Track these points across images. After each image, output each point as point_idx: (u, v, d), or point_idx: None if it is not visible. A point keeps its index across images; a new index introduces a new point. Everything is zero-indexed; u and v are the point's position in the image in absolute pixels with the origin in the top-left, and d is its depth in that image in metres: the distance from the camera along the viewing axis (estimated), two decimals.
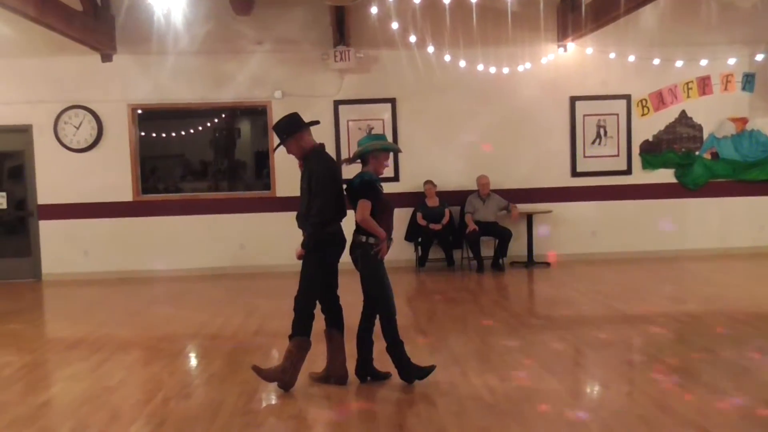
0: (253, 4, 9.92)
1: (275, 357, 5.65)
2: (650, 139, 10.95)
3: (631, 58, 10.58)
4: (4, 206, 10.50)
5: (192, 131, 13.85)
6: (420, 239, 10.35)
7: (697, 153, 10.97)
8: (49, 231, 10.44)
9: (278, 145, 5.04)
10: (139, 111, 10.68)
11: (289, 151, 5.00)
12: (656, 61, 10.59)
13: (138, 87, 10.42)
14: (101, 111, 10.41)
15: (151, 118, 11.40)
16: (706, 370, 5.17)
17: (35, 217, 10.45)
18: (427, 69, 10.47)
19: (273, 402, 4.76)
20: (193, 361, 6.08)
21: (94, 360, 5.93)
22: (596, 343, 6.03)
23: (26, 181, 10.50)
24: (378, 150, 4.96)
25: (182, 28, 9.91)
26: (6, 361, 6.05)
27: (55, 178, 10.40)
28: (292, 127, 4.92)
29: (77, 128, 10.38)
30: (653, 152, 10.96)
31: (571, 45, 10.69)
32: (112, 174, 10.43)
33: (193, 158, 14.65)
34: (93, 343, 6.53)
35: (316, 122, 5.18)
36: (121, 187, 10.47)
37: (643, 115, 10.93)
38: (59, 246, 10.44)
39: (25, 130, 10.38)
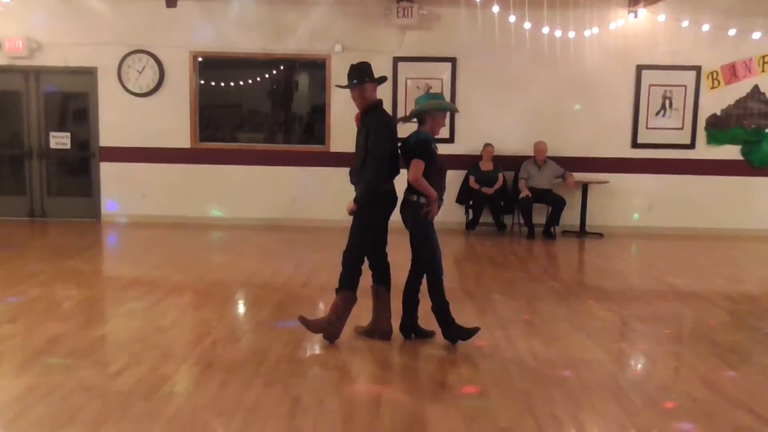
0: None
1: (322, 309, 5.73)
2: (718, 113, 10.54)
3: (705, 28, 10.13)
4: (68, 146, 10.81)
5: (250, 81, 13.90)
6: (471, 202, 10.28)
7: (767, 130, 10.54)
8: (109, 173, 10.72)
9: (345, 86, 5.04)
10: (200, 59, 10.79)
11: (353, 97, 4.99)
12: (732, 32, 10.11)
13: (200, 34, 10.48)
14: (163, 57, 10.55)
15: (211, 66, 11.49)
16: (758, 351, 5.06)
17: (97, 159, 10.74)
18: (491, 29, 10.24)
19: (317, 352, 4.85)
20: (242, 308, 6.23)
21: (149, 300, 6.12)
22: (645, 317, 5.94)
23: (89, 123, 10.76)
24: (435, 110, 4.90)
25: None
26: (66, 294, 6.33)
27: (117, 121, 10.62)
28: (365, 74, 4.92)
29: (140, 73, 10.56)
30: (720, 127, 10.56)
31: (642, 11, 10.29)
32: (172, 120, 10.60)
33: (250, 108, 14.75)
34: (148, 283, 6.74)
35: (384, 78, 5.15)
36: (180, 134, 10.65)
37: (712, 87, 10.51)
38: (118, 188, 10.72)
39: (90, 73, 10.60)
